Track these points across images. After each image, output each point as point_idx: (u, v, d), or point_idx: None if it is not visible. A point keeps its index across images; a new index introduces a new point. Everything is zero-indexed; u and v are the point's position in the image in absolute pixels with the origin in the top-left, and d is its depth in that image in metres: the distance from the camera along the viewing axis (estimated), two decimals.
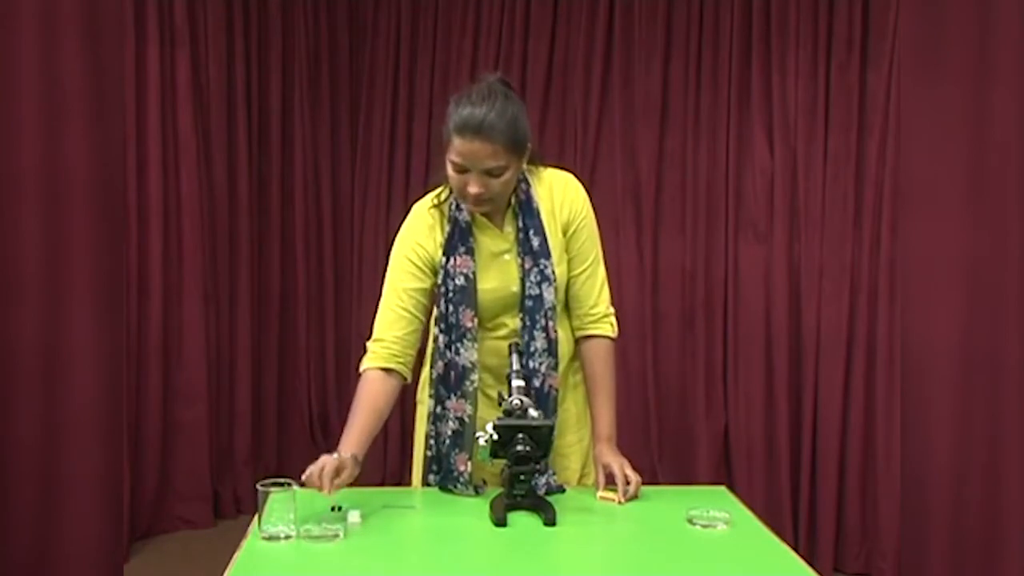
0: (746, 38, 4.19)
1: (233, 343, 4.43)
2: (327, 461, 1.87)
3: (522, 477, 1.89)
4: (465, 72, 4.61)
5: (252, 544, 1.77)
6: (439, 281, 2.09)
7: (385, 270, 2.15)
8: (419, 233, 2.12)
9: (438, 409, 2.10)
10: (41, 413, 2.72)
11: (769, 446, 4.12)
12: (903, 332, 3.05)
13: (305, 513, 1.80)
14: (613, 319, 2.20)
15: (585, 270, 2.15)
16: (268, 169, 4.60)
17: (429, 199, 2.17)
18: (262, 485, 1.80)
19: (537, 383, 2.06)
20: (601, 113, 4.42)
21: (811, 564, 1.76)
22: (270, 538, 1.77)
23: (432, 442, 2.12)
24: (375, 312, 2.12)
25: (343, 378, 4.88)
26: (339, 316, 4.88)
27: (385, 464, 4.78)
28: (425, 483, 2.15)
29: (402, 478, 4.71)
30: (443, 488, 2.10)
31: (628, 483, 2.03)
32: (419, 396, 2.26)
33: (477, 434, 1.91)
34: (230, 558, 1.70)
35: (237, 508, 4.36)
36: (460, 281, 2.07)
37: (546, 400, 2.07)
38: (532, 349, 2.06)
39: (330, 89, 4.81)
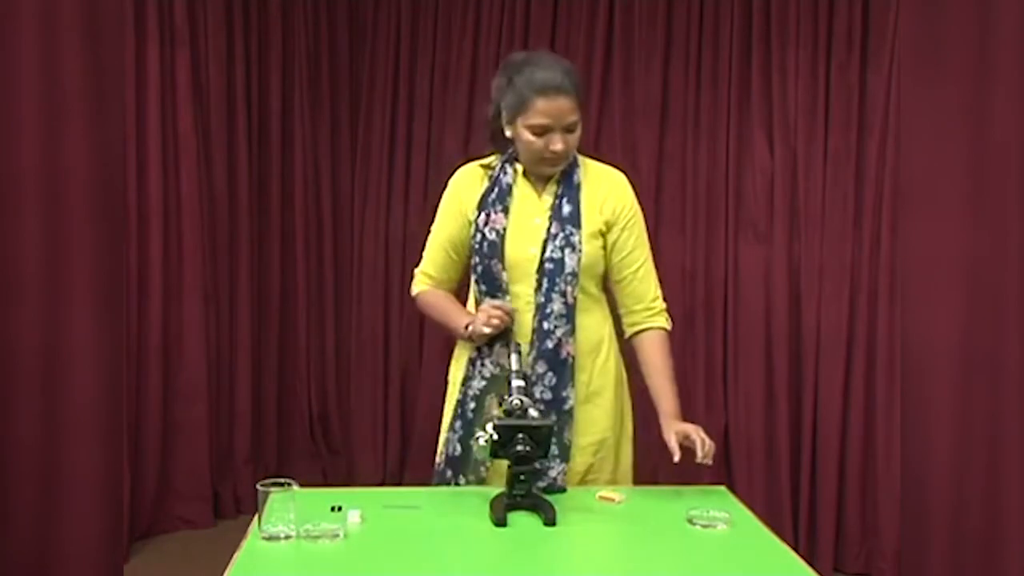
0: (746, 38, 4.18)
1: (233, 343, 4.43)
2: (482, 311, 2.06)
3: (522, 477, 1.89)
4: (465, 72, 4.61)
5: (252, 544, 1.77)
6: (471, 234, 2.19)
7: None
8: (463, 187, 2.26)
9: (473, 354, 2.19)
10: (41, 413, 2.72)
11: (769, 446, 4.12)
12: (903, 332, 3.05)
13: (305, 513, 1.80)
14: (667, 313, 2.25)
15: (640, 267, 2.21)
16: (268, 169, 4.59)
17: (476, 162, 2.28)
18: (262, 485, 1.80)
19: (551, 345, 2.10)
20: (601, 113, 4.42)
21: (811, 564, 1.76)
22: (270, 538, 1.77)
23: (463, 386, 2.20)
24: (417, 253, 2.35)
25: (343, 378, 4.88)
26: (339, 316, 4.88)
27: (385, 464, 4.78)
28: (452, 428, 2.21)
29: (402, 478, 4.72)
30: (468, 438, 2.12)
31: (705, 444, 2.04)
32: (451, 376, 2.31)
33: (477, 434, 1.92)
34: (230, 558, 1.70)
35: (237, 508, 4.36)
36: (492, 236, 2.15)
37: (563, 367, 2.11)
38: (549, 311, 2.11)
39: (330, 89, 4.81)
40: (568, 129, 2.10)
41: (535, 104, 2.06)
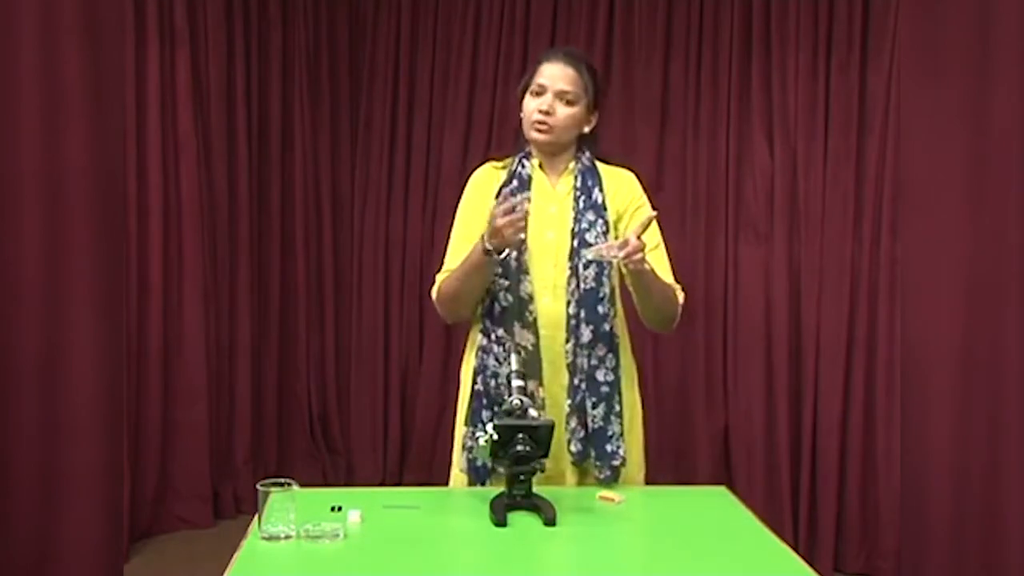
0: (746, 38, 4.18)
1: (233, 343, 4.43)
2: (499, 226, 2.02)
3: (522, 477, 1.89)
4: (465, 72, 4.61)
5: (252, 544, 1.77)
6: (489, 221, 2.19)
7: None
8: (482, 183, 2.29)
9: (484, 341, 2.18)
10: (41, 413, 2.73)
11: (769, 446, 4.12)
12: (903, 332, 3.06)
13: (305, 513, 1.79)
14: (681, 291, 2.27)
15: (652, 251, 2.17)
16: (268, 169, 4.59)
17: (490, 163, 2.33)
18: (262, 485, 1.80)
19: (607, 328, 2.15)
20: (601, 113, 4.40)
21: (811, 564, 1.75)
22: (270, 538, 1.77)
23: (480, 376, 2.17)
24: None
25: (343, 378, 4.88)
26: (339, 316, 4.88)
27: (385, 464, 4.78)
28: (474, 422, 2.16)
29: (401, 478, 4.72)
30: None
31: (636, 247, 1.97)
32: (463, 375, 2.29)
33: (477, 434, 1.92)
34: (230, 558, 1.70)
35: (237, 508, 4.36)
36: None
37: (610, 339, 2.16)
38: (601, 295, 2.16)
39: (330, 89, 4.81)
40: (561, 97, 2.18)
41: (538, 69, 2.21)
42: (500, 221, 2.00)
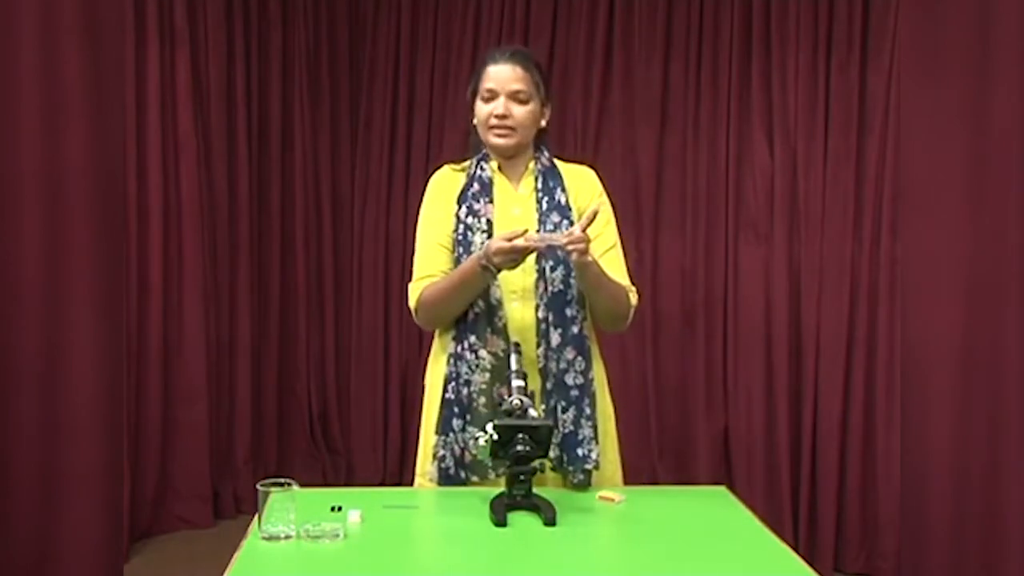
0: (746, 38, 4.19)
1: (233, 343, 4.43)
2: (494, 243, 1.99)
3: (522, 477, 1.88)
4: (465, 72, 4.61)
5: (252, 544, 1.77)
6: (454, 229, 2.18)
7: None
8: (444, 185, 2.29)
9: (456, 349, 2.14)
10: (41, 413, 2.73)
11: (769, 446, 4.12)
12: (903, 332, 3.06)
13: (305, 513, 1.79)
14: (635, 294, 2.24)
15: (607, 252, 2.18)
16: (268, 169, 4.60)
17: (447, 165, 2.33)
18: (262, 485, 1.80)
19: (575, 330, 2.12)
20: (601, 113, 4.42)
21: (811, 564, 1.75)
22: (270, 538, 1.77)
23: (452, 384, 2.13)
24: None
25: (343, 378, 4.88)
26: (339, 316, 4.88)
27: (385, 464, 4.78)
28: (445, 431, 2.12)
29: (402, 478, 4.71)
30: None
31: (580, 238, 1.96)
32: (429, 380, 2.26)
33: (477, 434, 1.92)
34: (230, 558, 1.70)
35: (237, 508, 4.36)
36: (482, 225, 2.15)
37: (580, 341, 2.13)
38: (569, 297, 2.13)
39: (330, 89, 4.81)
40: (514, 97, 2.16)
41: (485, 73, 2.18)
42: (510, 245, 1.96)
